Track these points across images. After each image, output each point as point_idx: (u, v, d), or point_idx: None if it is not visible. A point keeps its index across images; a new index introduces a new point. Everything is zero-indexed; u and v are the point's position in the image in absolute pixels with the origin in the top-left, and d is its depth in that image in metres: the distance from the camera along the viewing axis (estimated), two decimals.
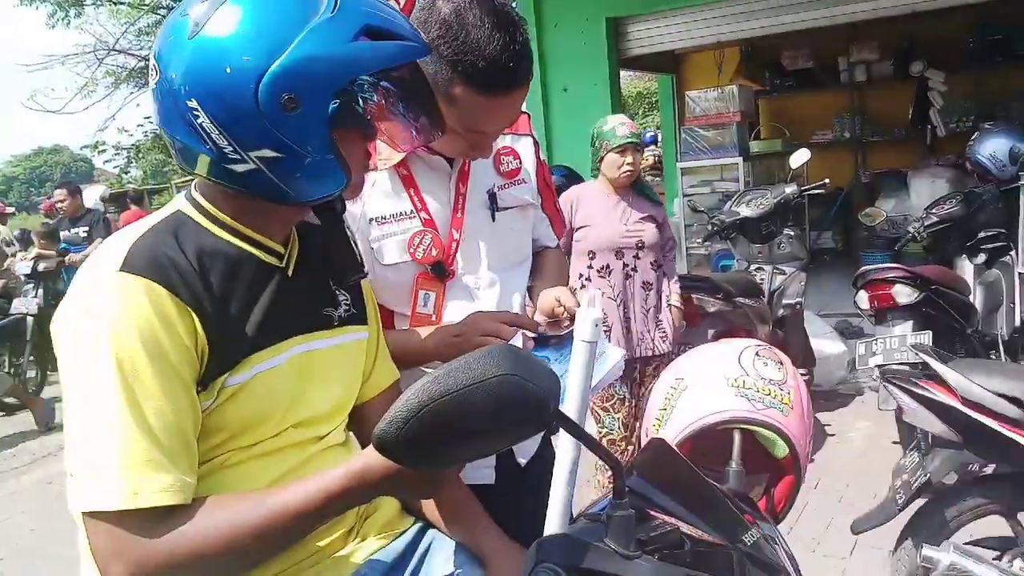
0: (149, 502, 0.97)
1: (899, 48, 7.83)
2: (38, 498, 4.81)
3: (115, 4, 14.92)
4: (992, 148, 4.04)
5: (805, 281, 4.52)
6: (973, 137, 4.17)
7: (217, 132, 1.03)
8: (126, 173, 21.69)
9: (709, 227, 4.51)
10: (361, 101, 1.10)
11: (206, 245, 1.10)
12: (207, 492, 1.05)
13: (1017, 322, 4.05)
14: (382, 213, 1.54)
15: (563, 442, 0.87)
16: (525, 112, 1.70)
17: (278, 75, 1.00)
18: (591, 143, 3.57)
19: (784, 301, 4.41)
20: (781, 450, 1.18)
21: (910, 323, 3.53)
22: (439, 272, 1.57)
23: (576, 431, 0.74)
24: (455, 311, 1.56)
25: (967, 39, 7.56)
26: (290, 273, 1.19)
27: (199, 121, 1.03)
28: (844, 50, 8.05)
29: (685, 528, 0.80)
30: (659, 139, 15.23)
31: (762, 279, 4.38)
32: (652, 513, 0.78)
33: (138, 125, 17.68)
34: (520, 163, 1.68)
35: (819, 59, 8.22)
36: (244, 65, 1.00)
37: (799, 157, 4.50)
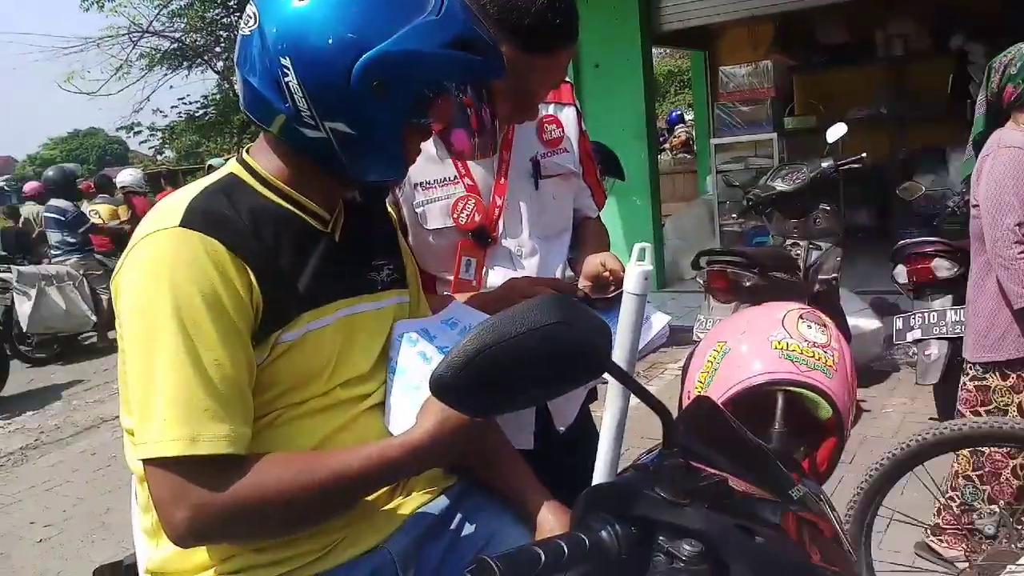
0: (208, 450, 1.01)
1: (937, 21, 7.66)
2: (84, 468, 4.93)
3: None
4: None
5: (841, 256, 4.47)
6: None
7: (301, 94, 1.07)
8: (160, 154, 21.97)
9: (744, 202, 4.48)
10: (438, 104, 1.16)
11: (258, 206, 1.14)
12: (259, 449, 1.08)
13: None
14: (426, 178, 1.56)
15: (611, 393, 0.88)
16: (568, 81, 1.71)
17: (376, 59, 1.05)
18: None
19: (820, 276, 4.37)
20: (825, 412, 1.19)
21: (949, 297, 3.49)
22: (481, 238, 1.59)
23: (626, 379, 0.75)
24: (497, 278, 1.58)
25: (1006, 11, 7.37)
26: (337, 239, 1.22)
27: (287, 79, 1.07)
28: (881, 24, 7.89)
29: (733, 481, 0.81)
30: (684, 118, 15.17)
31: (797, 254, 4.34)
32: (699, 466, 0.80)
33: (172, 106, 17.89)
34: (563, 132, 1.69)
35: (855, 33, 8.08)
36: (347, 41, 1.05)
37: (836, 131, 4.44)
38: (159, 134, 19.23)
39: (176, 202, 1.10)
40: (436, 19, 1.08)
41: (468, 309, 1.35)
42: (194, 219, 1.06)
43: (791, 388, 1.18)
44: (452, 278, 1.62)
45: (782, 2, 6.10)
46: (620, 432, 0.86)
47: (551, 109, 1.70)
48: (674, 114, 15.58)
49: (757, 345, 1.21)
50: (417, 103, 1.12)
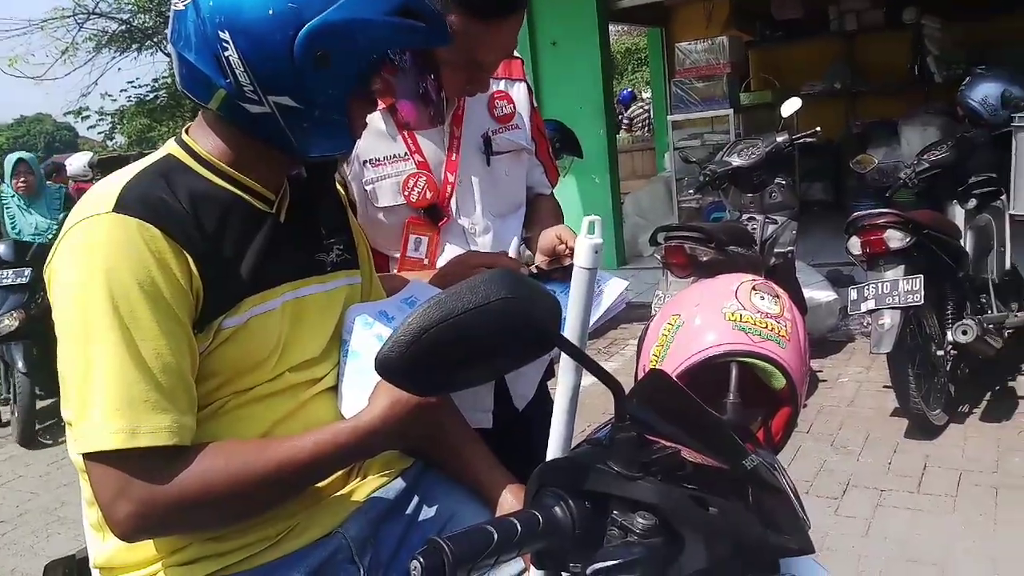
0: (149, 441, 0.98)
1: None
2: (37, 462, 4.83)
3: None
4: (983, 93, 4.02)
5: (796, 230, 4.53)
6: (964, 82, 4.16)
7: (242, 69, 1.04)
8: (111, 139, 21.46)
9: (701, 178, 4.50)
10: (383, 73, 1.14)
11: (198, 188, 1.10)
12: (205, 438, 1.06)
13: (1007, 265, 4.07)
14: (376, 155, 1.53)
15: (564, 368, 0.87)
16: (518, 57, 1.69)
17: (319, 28, 1.02)
18: None
19: (776, 250, 4.42)
20: (778, 382, 1.18)
21: (902, 267, 3.54)
22: (434, 215, 1.57)
23: (577, 354, 0.74)
24: (450, 255, 1.56)
25: None
26: (282, 219, 1.19)
27: (227, 54, 1.04)
28: None
29: (686, 453, 0.81)
30: (637, 96, 15.21)
31: (754, 228, 4.38)
32: (652, 439, 0.79)
33: (121, 90, 17.48)
34: (514, 108, 1.67)
35: (809, 8, 8.14)
36: (288, 11, 1.02)
37: (790, 106, 4.47)
38: (108, 119, 18.77)
39: (110, 186, 1.06)
40: None
41: (427, 287, 1.33)
42: (129, 204, 1.03)
43: (745, 359, 1.18)
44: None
45: None
46: (573, 407, 0.86)
47: (502, 85, 1.68)
48: (625, 92, 15.58)
49: (710, 317, 1.20)
50: (362, 73, 1.10)
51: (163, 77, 16.72)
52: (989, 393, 4.05)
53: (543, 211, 1.77)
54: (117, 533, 1.00)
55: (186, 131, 1.18)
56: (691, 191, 6.68)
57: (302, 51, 1.03)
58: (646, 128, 12.97)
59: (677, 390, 0.91)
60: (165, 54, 15.85)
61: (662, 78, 9.03)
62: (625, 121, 13.68)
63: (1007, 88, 4.01)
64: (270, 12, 1.02)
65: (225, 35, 1.03)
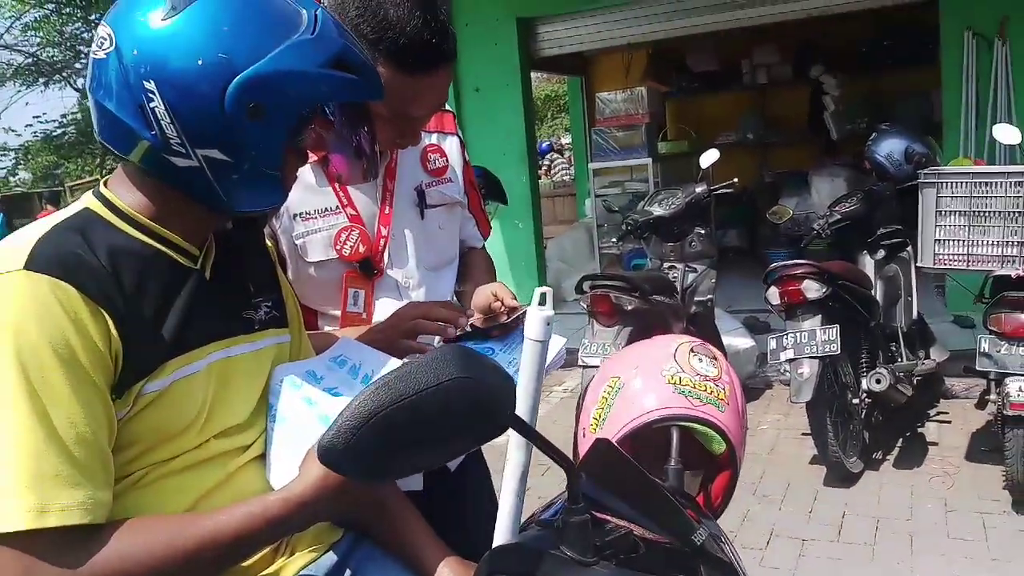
0: (59, 521, 0.90)
1: (798, 53, 8.12)
2: None
3: None
4: (889, 148, 4.19)
5: (715, 278, 4.62)
6: (871, 138, 4.32)
7: (168, 120, 0.99)
8: (14, 175, 20.60)
9: (623, 227, 4.56)
10: (316, 126, 1.11)
11: (118, 244, 1.04)
12: (123, 514, 0.98)
13: (915, 315, 4.23)
14: (306, 208, 1.49)
15: (513, 446, 0.84)
16: (450, 111, 1.68)
17: (251, 80, 0.98)
18: None
19: (696, 298, 4.50)
20: (718, 445, 1.18)
21: (818, 317, 3.63)
22: (367, 269, 1.53)
23: (531, 434, 0.71)
24: (384, 309, 1.53)
25: (860, 46, 7.90)
26: (207, 276, 1.13)
27: (152, 105, 0.98)
28: (747, 53, 8.30)
29: (637, 531, 0.78)
30: (558, 149, 15.47)
31: (675, 277, 4.45)
32: (603, 516, 0.76)
33: (27, 125, 16.87)
34: (447, 161, 1.66)
35: (723, 62, 8.46)
36: (219, 61, 0.98)
37: (708, 157, 4.59)
38: (12, 154, 18.04)
39: (20, 242, 0.98)
40: (311, 38, 1.02)
41: (358, 345, 1.28)
42: (42, 261, 0.95)
43: (685, 423, 1.17)
44: (335, 312, 1.55)
45: (657, 30, 6.31)
46: (522, 487, 0.82)
47: (434, 139, 1.66)
48: (544, 145, 15.79)
49: (650, 380, 1.19)
50: (295, 126, 1.06)
51: (71, 112, 16.21)
52: (901, 440, 4.18)
53: (476, 266, 1.75)
54: None
55: (104, 184, 1.12)
56: (614, 239, 6.77)
57: (233, 103, 0.99)
58: (567, 174, 13.20)
59: (624, 461, 0.88)
60: (75, 89, 15.40)
61: (582, 125, 9.20)
62: (544, 165, 13.90)
63: (910, 144, 4.19)
64: (199, 62, 0.98)
65: (151, 85, 0.98)
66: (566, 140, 16.06)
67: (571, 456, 0.76)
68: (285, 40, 1.00)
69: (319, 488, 1.01)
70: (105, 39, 1.01)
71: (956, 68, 5.45)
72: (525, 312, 1.43)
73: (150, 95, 0.98)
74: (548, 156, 14.64)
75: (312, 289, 1.52)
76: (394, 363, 1.21)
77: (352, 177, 1.23)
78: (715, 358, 1.23)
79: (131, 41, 0.99)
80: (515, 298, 1.49)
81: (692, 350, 1.22)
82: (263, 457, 1.15)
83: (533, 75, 7.30)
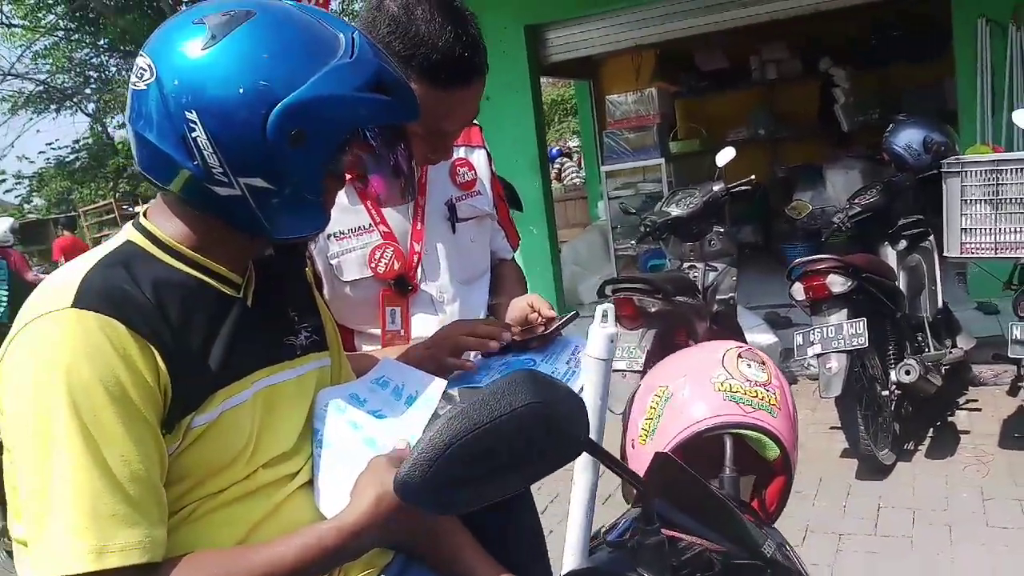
0: (120, 561, 0.89)
1: (806, 47, 8.08)
2: None
3: (8, 27, 14.28)
4: (907, 139, 4.16)
5: (736, 276, 4.59)
6: (888, 129, 4.30)
7: (211, 150, 0.98)
8: (28, 202, 20.78)
9: (642, 228, 4.54)
10: (356, 149, 1.11)
11: (161, 276, 1.03)
12: (177, 550, 0.97)
13: (940, 304, 4.19)
14: (340, 228, 1.49)
15: (580, 467, 0.83)
16: (477, 124, 1.67)
17: (292, 107, 0.98)
18: None
19: (718, 297, 4.47)
20: (771, 451, 1.17)
21: (844, 311, 3.61)
22: (402, 286, 1.53)
23: (605, 457, 0.70)
24: (420, 325, 1.53)
25: (869, 38, 7.85)
26: (249, 304, 1.13)
27: (194, 135, 0.98)
28: (755, 50, 8.27)
29: (710, 547, 0.77)
30: (563, 152, 15.45)
31: (695, 276, 4.43)
32: (674, 534, 0.75)
33: (40, 152, 17.04)
34: (476, 174, 1.66)
35: (731, 59, 8.42)
36: (260, 89, 0.97)
37: (725, 155, 4.56)
38: (26, 181, 18.20)
39: (67, 278, 0.98)
40: (350, 62, 1.02)
41: (399, 366, 1.28)
42: (89, 298, 0.95)
43: (737, 431, 1.15)
44: (372, 331, 1.55)
45: (662, 31, 6.29)
46: (591, 508, 0.81)
47: (462, 152, 1.66)
48: (554, 151, 15.78)
49: (700, 388, 1.18)
50: (336, 150, 1.06)
51: (83, 138, 16.34)
52: (932, 430, 4.14)
53: (507, 278, 1.74)
54: None
55: (144, 215, 1.11)
56: (632, 241, 6.74)
57: (275, 130, 0.98)
58: (577, 177, 13.18)
59: (688, 477, 0.87)
60: (87, 114, 15.52)
61: (592, 128, 9.18)
62: (555, 169, 13.87)
63: (928, 134, 4.16)
64: (240, 91, 0.97)
65: (192, 115, 0.98)
66: (573, 143, 16.03)
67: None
68: (324, 65, 1.00)
69: (372, 516, 1.01)
70: (145, 70, 1.01)
71: (970, 56, 5.40)
72: (564, 321, 1.43)
73: (192, 125, 0.98)
74: (558, 160, 14.63)
75: (348, 308, 1.52)
76: (437, 383, 1.20)
77: (391, 198, 1.22)
78: (764, 363, 1.22)
79: (171, 71, 0.99)
80: (552, 308, 1.48)
81: (740, 355, 1.21)
82: (311, 484, 1.15)
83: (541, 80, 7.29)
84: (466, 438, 0.61)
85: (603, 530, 0.81)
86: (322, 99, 0.99)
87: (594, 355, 0.80)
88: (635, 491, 0.97)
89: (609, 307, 0.83)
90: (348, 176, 1.46)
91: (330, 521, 1.03)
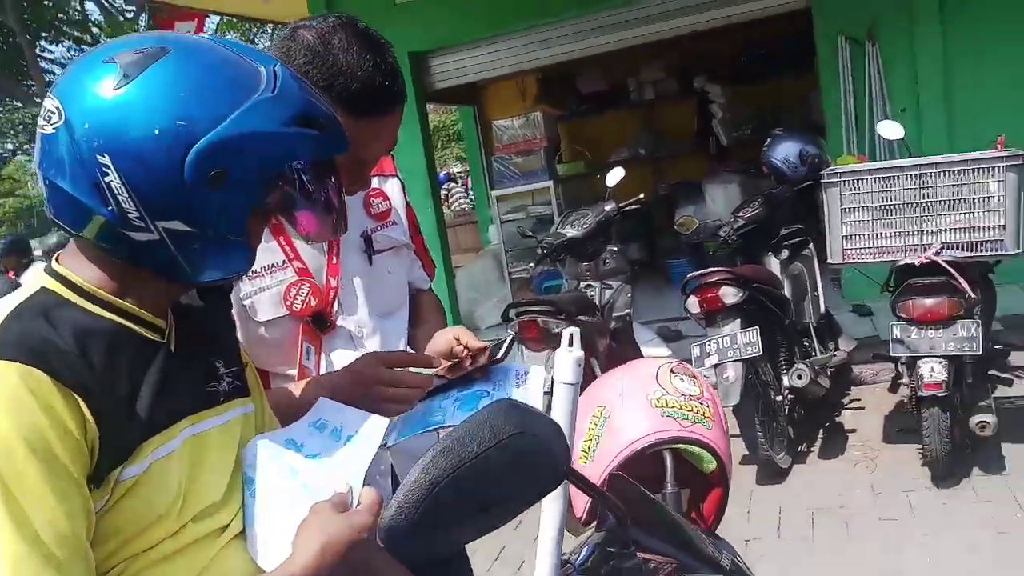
0: None
1: (683, 66, 8.41)
2: None
3: None
4: (784, 152, 4.37)
5: (631, 293, 4.70)
6: (766, 143, 4.50)
7: (126, 195, 0.93)
8: None
9: (539, 250, 4.60)
10: (283, 187, 1.05)
11: (82, 324, 0.97)
12: None
13: (822, 309, 4.41)
14: (253, 266, 1.43)
15: (549, 496, 0.82)
16: (389, 153, 1.65)
17: (212, 146, 0.93)
18: None
19: (615, 314, 4.56)
20: (708, 464, 1.19)
21: (738, 321, 3.74)
22: (320, 323, 1.48)
23: (586, 484, 0.70)
24: (340, 362, 1.48)
25: (741, 56, 8.24)
26: (173, 349, 1.07)
27: (107, 179, 0.92)
28: (634, 72, 8.54)
29: (676, 564, 0.78)
30: (451, 176, 15.55)
31: (592, 295, 4.51)
32: (647, 556, 0.76)
33: None
34: (390, 204, 1.63)
35: (611, 82, 8.67)
36: (176, 129, 0.92)
37: (614, 176, 4.67)
38: None
39: None
40: (272, 96, 0.98)
41: (336, 405, 1.22)
42: (8, 347, 0.89)
43: (676, 445, 1.17)
44: (290, 372, 1.48)
45: (544, 56, 6.43)
46: (561, 536, 0.80)
47: (375, 182, 1.63)
48: (442, 176, 15.85)
49: (637, 405, 1.20)
50: (261, 189, 1.01)
51: None
52: (822, 431, 4.33)
53: (426, 308, 1.72)
54: None
55: (56, 260, 1.04)
56: (526, 264, 6.81)
57: (194, 171, 0.93)
58: (465, 202, 13.23)
59: (642, 495, 0.88)
60: None
61: (479, 153, 9.26)
62: (442, 195, 13.89)
63: (803, 147, 4.38)
64: (156, 131, 0.92)
65: (105, 159, 0.92)
66: (456, 169, 16.11)
67: None
68: (245, 101, 0.96)
69: (318, 566, 0.97)
70: (53, 112, 0.95)
71: (833, 71, 5.75)
72: (500, 347, 1.41)
73: (104, 169, 0.92)
74: (445, 186, 14.68)
75: (263, 350, 1.45)
76: (377, 421, 1.16)
77: (322, 234, 1.18)
78: (695, 376, 1.25)
79: (81, 113, 0.93)
80: (477, 339, 1.46)
81: (672, 371, 1.24)
82: (242, 535, 1.09)
83: None
84: (453, 475, 0.60)
85: (569, 557, 0.81)
86: (244, 136, 0.95)
87: (563, 380, 0.80)
88: (596, 518, 0.97)
89: (575, 331, 0.83)
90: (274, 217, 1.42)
91: (277, 571, 0.98)
